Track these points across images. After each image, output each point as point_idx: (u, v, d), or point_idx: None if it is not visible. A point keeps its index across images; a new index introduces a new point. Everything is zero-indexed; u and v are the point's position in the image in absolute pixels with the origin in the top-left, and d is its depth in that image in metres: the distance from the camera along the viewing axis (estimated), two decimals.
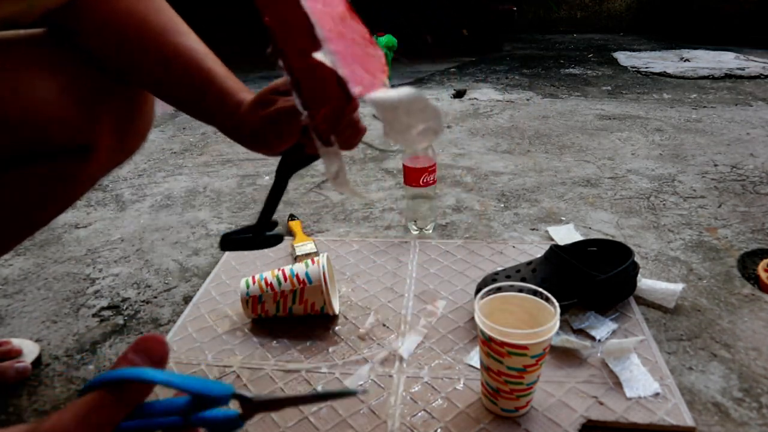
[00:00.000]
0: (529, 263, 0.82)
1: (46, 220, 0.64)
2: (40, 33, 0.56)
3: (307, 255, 0.95)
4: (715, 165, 1.39)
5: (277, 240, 0.62)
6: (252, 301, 0.78)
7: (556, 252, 0.79)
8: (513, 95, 2.25)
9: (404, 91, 0.38)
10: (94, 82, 0.56)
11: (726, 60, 2.81)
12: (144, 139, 0.68)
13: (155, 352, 0.33)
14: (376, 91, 0.39)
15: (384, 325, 0.78)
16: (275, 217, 0.61)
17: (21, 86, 0.51)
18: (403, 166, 1.01)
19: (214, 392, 0.34)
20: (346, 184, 0.41)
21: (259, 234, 0.61)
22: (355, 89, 0.38)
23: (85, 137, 0.57)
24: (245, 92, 0.58)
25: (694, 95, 2.15)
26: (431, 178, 1.00)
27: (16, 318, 0.86)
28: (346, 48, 0.40)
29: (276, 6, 0.42)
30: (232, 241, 0.62)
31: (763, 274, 0.87)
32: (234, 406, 0.36)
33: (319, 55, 0.38)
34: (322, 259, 0.78)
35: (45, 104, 0.52)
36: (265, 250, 0.99)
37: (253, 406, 0.36)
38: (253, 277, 0.80)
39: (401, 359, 0.71)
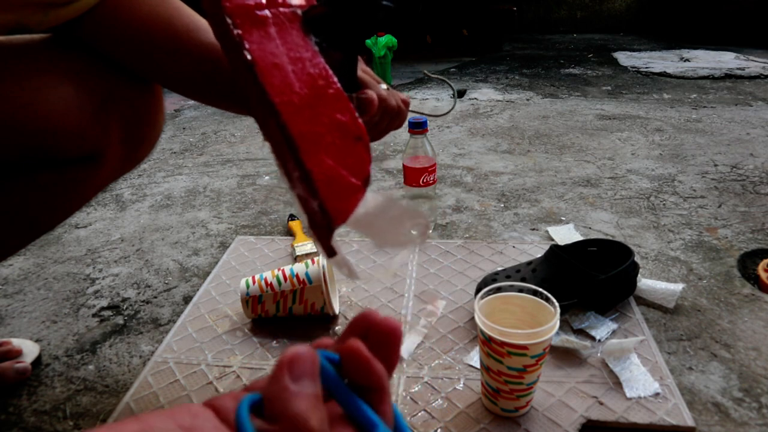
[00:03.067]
0: (529, 263, 0.82)
1: (52, 225, 0.64)
2: (51, 38, 0.55)
3: (307, 255, 0.95)
4: (715, 165, 1.39)
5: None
6: (252, 301, 0.78)
7: (556, 252, 0.79)
8: (513, 95, 2.25)
9: (377, 201, 0.37)
10: (104, 89, 0.56)
11: (726, 60, 2.81)
12: (153, 147, 0.68)
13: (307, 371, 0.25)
14: (355, 212, 0.37)
15: None
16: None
17: (31, 93, 0.51)
18: (403, 166, 1.01)
19: None
20: (358, 277, 0.41)
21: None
22: (333, 224, 0.37)
23: (94, 146, 0.57)
24: None
25: (694, 95, 2.15)
26: (431, 178, 1.00)
27: (16, 318, 0.86)
28: (324, 160, 0.37)
29: (264, 123, 0.39)
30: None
31: (763, 274, 0.87)
32: None
33: (297, 189, 0.37)
34: (322, 259, 0.78)
35: (57, 112, 0.52)
36: (265, 250, 0.99)
37: None
38: (253, 277, 0.80)
39: (401, 359, 0.71)
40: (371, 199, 0.38)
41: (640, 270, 0.83)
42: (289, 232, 1.07)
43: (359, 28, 0.45)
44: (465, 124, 1.84)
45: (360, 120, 0.40)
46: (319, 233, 0.39)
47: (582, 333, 0.74)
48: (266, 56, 0.37)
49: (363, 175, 0.39)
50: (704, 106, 1.97)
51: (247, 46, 0.37)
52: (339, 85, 0.40)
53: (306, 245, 0.98)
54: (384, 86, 0.57)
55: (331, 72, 0.40)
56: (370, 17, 0.44)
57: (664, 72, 2.59)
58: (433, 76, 0.97)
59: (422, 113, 0.82)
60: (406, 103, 0.61)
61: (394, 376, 0.68)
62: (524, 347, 0.55)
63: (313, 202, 0.37)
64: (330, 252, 0.40)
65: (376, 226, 0.39)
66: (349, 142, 0.39)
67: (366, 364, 0.25)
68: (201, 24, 0.56)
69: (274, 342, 0.76)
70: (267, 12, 0.39)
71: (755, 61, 2.78)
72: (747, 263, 0.93)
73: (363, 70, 0.55)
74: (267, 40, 0.38)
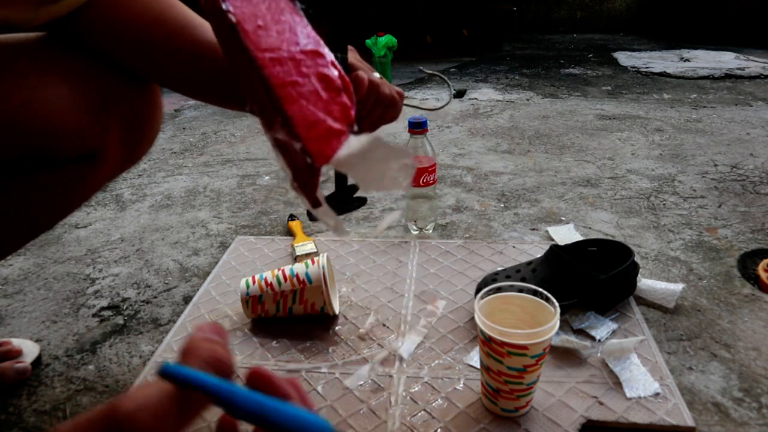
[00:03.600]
0: (529, 263, 0.82)
1: (51, 224, 0.64)
2: (49, 37, 0.55)
3: (307, 255, 0.95)
4: (715, 165, 1.39)
5: (361, 202, 0.64)
6: (252, 301, 0.78)
7: (556, 252, 0.79)
8: (513, 95, 2.25)
9: (362, 142, 0.38)
10: (104, 89, 0.56)
11: (726, 60, 2.81)
12: (150, 146, 0.67)
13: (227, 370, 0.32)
14: (338, 152, 0.38)
15: (384, 325, 0.78)
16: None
17: (31, 92, 0.51)
18: None
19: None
20: (346, 232, 0.42)
21: (343, 198, 0.62)
22: (316, 163, 0.38)
23: (94, 145, 0.57)
24: None
25: (694, 95, 2.15)
26: (431, 178, 1.00)
27: (16, 318, 0.86)
28: (305, 106, 0.39)
29: (243, 75, 0.41)
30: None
31: (763, 274, 0.87)
32: None
33: (278, 133, 0.39)
34: (322, 259, 0.78)
35: (56, 112, 0.52)
36: (265, 250, 0.99)
37: None
38: (253, 277, 0.80)
39: (401, 359, 0.71)
40: (355, 140, 0.39)
41: (640, 270, 0.83)
42: (289, 232, 1.07)
43: None
44: (465, 124, 1.84)
45: (345, 75, 0.43)
46: (303, 182, 0.41)
47: (582, 333, 0.74)
48: (248, 18, 0.39)
49: (347, 120, 0.41)
50: (704, 106, 1.97)
51: (231, 8, 0.39)
52: (325, 47, 0.42)
53: (306, 245, 0.98)
54: (377, 75, 0.57)
55: (316, 34, 0.43)
56: None
57: (664, 72, 2.59)
58: (428, 72, 0.98)
59: (418, 107, 0.82)
60: (401, 94, 0.61)
61: (394, 376, 0.68)
62: (524, 347, 0.55)
63: (295, 145, 0.38)
64: (315, 203, 0.41)
65: (359, 168, 0.39)
66: (333, 93, 0.41)
67: (267, 377, 0.33)
68: (196, 21, 0.56)
69: (274, 342, 0.76)
70: None
71: (755, 61, 2.78)
72: (747, 263, 0.93)
73: (357, 59, 0.55)
74: (250, 5, 0.40)
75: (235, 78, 0.49)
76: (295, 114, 0.38)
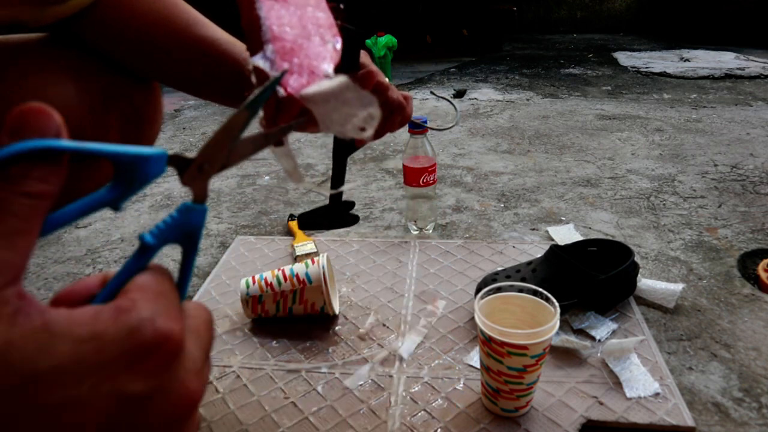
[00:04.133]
0: (529, 263, 0.82)
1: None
2: (50, 37, 0.55)
3: (307, 255, 0.95)
4: (715, 165, 1.39)
5: (355, 220, 0.64)
6: (252, 301, 0.78)
7: (556, 252, 0.79)
8: (513, 95, 2.25)
9: (333, 82, 0.38)
10: (104, 88, 0.56)
11: (726, 60, 2.81)
12: (151, 145, 0.67)
13: (46, 129, 0.22)
14: (307, 87, 0.40)
15: (384, 325, 0.78)
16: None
17: (32, 92, 0.51)
18: (404, 166, 1.01)
19: (142, 153, 0.24)
20: (301, 179, 0.42)
21: (335, 213, 0.63)
22: (280, 90, 0.40)
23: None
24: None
25: (694, 95, 2.15)
26: (431, 178, 1.00)
27: None
28: (289, 44, 0.42)
29: (244, 8, 0.44)
30: (311, 223, 0.64)
31: (763, 274, 0.87)
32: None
33: (258, 60, 0.41)
34: (322, 259, 0.78)
35: (56, 110, 0.52)
36: (265, 250, 0.99)
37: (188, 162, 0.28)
38: (253, 277, 0.80)
39: (401, 359, 0.71)
40: (326, 81, 0.40)
41: (640, 270, 0.83)
42: (289, 232, 1.07)
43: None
44: (465, 124, 1.84)
45: (337, 27, 0.46)
46: (270, 116, 0.43)
47: (582, 333, 0.74)
48: None
49: (322, 68, 0.43)
50: (704, 106, 1.97)
51: None
52: (328, 12, 0.46)
53: (306, 245, 0.98)
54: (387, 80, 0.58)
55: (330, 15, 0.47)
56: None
57: (664, 72, 2.59)
58: (438, 95, 0.99)
59: (428, 126, 0.83)
60: (408, 98, 0.61)
61: (394, 376, 0.68)
62: (524, 347, 0.55)
63: (270, 73, 0.41)
64: (277, 141, 0.38)
65: (325, 107, 0.39)
66: (317, 39, 0.44)
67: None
68: (199, 18, 0.56)
69: (274, 342, 0.76)
70: None
71: (755, 61, 2.78)
72: (747, 263, 0.93)
73: (368, 61, 0.55)
74: None
75: (237, 61, 0.52)
76: (279, 49, 0.41)
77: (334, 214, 0.63)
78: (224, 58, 0.55)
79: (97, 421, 0.20)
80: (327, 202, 0.63)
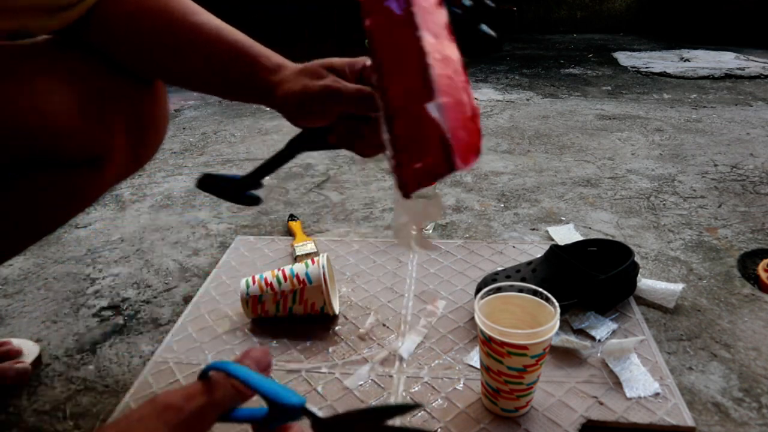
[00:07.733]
0: (529, 263, 0.82)
1: (54, 227, 0.64)
2: (53, 40, 0.55)
3: (307, 255, 0.95)
4: (715, 165, 1.39)
5: (253, 201, 0.61)
6: (252, 301, 0.78)
7: (556, 252, 0.79)
8: (513, 95, 2.25)
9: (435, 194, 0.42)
10: (109, 91, 0.56)
11: (726, 60, 2.81)
12: (156, 150, 0.67)
13: (262, 362, 0.44)
14: (468, 166, 0.36)
15: (384, 325, 0.78)
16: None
17: (37, 95, 0.50)
18: None
19: (286, 401, 0.40)
20: (429, 246, 0.43)
21: (240, 188, 0.59)
22: (458, 161, 0.34)
23: (99, 148, 0.56)
24: (283, 59, 0.56)
25: (694, 95, 2.15)
26: None
27: (16, 318, 0.86)
28: (453, 103, 0.36)
29: (386, 24, 0.38)
30: (210, 185, 0.61)
31: (763, 274, 0.87)
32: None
33: (431, 109, 0.34)
34: (322, 259, 0.78)
35: (62, 114, 0.51)
36: (265, 250, 0.99)
37: (321, 424, 0.41)
38: (253, 277, 0.79)
39: (401, 359, 0.71)
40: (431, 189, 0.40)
41: (640, 270, 0.83)
42: (289, 232, 1.07)
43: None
44: None
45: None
46: (421, 172, 0.37)
47: (582, 333, 0.74)
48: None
49: (478, 145, 0.38)
50: (704, 106, 1.97)
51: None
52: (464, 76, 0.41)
53: (306, 245, 0.98)
54: None
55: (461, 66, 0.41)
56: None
57: (664, 72, 2.59)
58: None
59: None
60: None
61: (394, 376, 0.68)
62: (524, 347, 0.55)
63: (435, 126, 0.35)
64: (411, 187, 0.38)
65: (421, 203, 0.42)
66: (468, 106, 0.39)
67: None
68: (196, 8, 0.56)
69: (274, 342, 0.75)
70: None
71: (755, 61, 2.78)
72: (747, 263, 0.93)
73: None
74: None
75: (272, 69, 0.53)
76: (448, 105, 0.36)
77: (238, 190, 0.59)
78: (225, 45, 0.54)
79: None
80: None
